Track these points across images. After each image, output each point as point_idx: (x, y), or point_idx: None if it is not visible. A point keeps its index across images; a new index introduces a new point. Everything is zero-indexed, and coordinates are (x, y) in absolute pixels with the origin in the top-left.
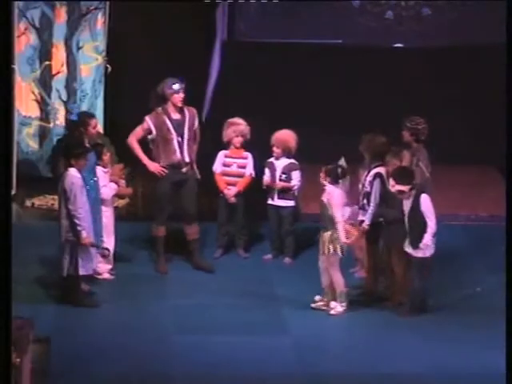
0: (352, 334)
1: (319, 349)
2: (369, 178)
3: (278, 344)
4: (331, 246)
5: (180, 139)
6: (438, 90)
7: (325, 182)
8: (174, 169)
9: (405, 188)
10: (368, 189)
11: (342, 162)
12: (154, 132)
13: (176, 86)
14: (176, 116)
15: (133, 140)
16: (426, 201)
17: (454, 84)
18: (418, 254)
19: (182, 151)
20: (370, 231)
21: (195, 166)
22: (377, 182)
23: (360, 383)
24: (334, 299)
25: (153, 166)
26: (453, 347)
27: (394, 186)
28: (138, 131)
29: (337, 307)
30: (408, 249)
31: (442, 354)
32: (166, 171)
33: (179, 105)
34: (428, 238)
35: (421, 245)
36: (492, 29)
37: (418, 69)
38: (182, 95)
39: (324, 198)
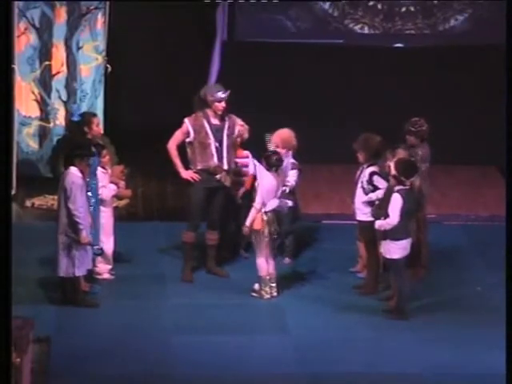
0: (352, 333)
1: (319, 349)
2: (365, 178)
3: (278, 344)
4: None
5: (218, 145)
6: (437, 89)
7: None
8: (209, 175)
9: (406, 180)
10: (372, 188)
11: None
12: (192, 135)
13: (219, 95)
14: (215, 121)
15: (172, 145)
16: (396, 200)
17: (453, 84)
18: (386, 255)
19: (220, 157)
20: (368, 229)
21: (228, 175)
22: (378, 179)
23: (360, 383)
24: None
25: (185, 174)
26: (453, 347)
27: (394, 175)
28: (178, 135)
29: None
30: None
31: (441, 354)
32: (199, 177)
33: (220, 113)
34: (381, 224)
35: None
36: (492, 29)
37: (418, 69)
38: (223, 104)
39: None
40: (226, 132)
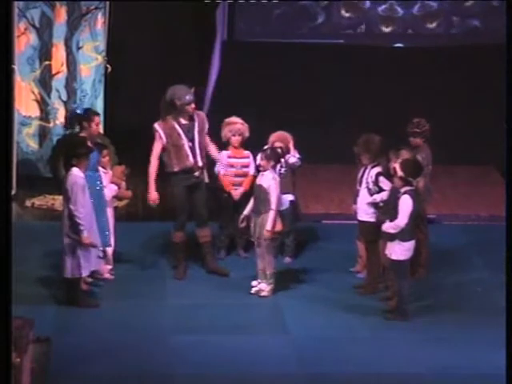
0: (352, 333)
1: (319, 349)
2: (371, 179)
3: (277, 344)
4: (262, 231)
5: (191, 144)
6: (437, 90)
7: (267, 167)
8: (187, 174)
9: (413, 181)
10: (377, 189)
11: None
12: (165, 139)
13: (188, 97)
14: (185, 121)
15: (153, 160)
16: (406, 201)
17: (453, 84)
18: (392, 256)
19: (195, 156)
20: (370, 230)
21: (205, 170)
22: (383, 180)
23: (360, 383)
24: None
25: (152, 196)
26: (453, 347)
27: (400, 177)
28: (156, 146)
29: (266, 288)
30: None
31: (442, 353)
32: (155, 197)
33: (190, 114)
34: (389, 226)
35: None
36: (492, 29)
37: (418, 69)
38: (193, 105)
39: (263, 182)
40: (196, 130)
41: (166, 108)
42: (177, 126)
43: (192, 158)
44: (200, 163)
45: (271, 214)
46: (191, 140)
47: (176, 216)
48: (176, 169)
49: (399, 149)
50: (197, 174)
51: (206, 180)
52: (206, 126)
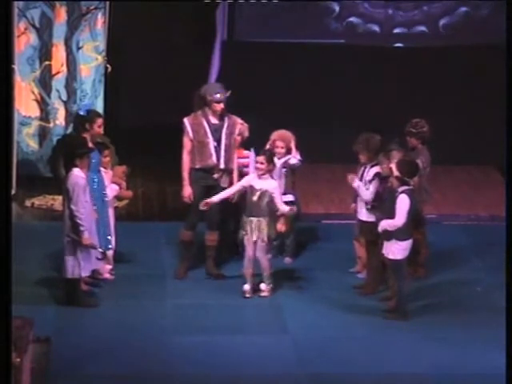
0: (352, 333)
1: (319, 349)
2: (368, 178)
3: (278, 344)
4: (261, 234)
5: (216, 144)
6: (438, 90)
7: (266, 170)
8: (207, 173)
9: (410, 180)
10: (373, 188)
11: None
12: (191, 135)
13: (218, 96)
14: (214, 120)
15: (185, 155)
16: (403, 200)
17: (453, 84)
18: (389, 256)
19: (218, 156)
20: (370, 230)
21: (231, 174)
22: (376, 181)
23: (360, 383)
24: (261, 282)
25: (186, 191)
26: (453, 347)
27: (396, 176)
28: (185, 141)
29: (266, 289)
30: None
31: (442, 354)
32: (191, 197)
33: (218, 113)
34: (385, 224)
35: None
36: (492, 29)
37: (418, 69)
38: (222, 105)
39: (265, 186)
40: (224, 131)
41: (198, 102)
42: (205, 124)
43: (215, 159)
44: (222, 165)
45: (280, 215)
46: (217, 140)
47: (189, 214)
48: (198, 166)
49: (390, 150)
50: (216, 175)
51: (224, 185)
52: (237, 131)
